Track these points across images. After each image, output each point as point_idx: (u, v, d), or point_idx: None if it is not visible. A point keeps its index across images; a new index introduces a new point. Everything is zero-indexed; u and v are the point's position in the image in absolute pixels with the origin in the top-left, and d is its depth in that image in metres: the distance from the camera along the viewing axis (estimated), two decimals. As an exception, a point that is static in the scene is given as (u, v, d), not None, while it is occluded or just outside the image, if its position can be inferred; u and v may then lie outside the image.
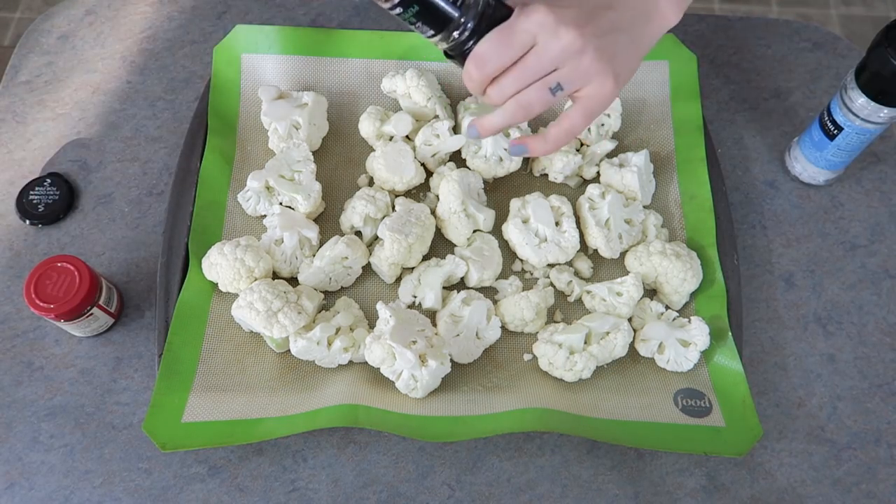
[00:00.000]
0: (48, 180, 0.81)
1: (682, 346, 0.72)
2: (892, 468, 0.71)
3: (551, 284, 0.77)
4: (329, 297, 0.76)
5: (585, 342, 0.71)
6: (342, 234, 0.77)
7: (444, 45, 0.58)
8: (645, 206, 0.81)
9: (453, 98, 0.85)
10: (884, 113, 0.72)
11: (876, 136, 0.75)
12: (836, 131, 0.76)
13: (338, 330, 0.71)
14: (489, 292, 0.77)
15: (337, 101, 0.85)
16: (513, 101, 0.58)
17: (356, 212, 0.77)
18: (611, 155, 0.83)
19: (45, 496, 0.68)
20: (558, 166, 0.80)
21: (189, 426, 0.67)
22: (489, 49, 0.56)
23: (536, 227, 0.76)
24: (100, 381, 0.72)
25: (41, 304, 0.68)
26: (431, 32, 0.57)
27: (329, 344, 0.70)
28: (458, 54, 0.59)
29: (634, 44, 0.60)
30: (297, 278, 0.76)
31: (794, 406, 0.73)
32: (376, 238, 0.77)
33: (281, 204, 0.78)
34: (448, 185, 0.76)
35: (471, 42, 0.57)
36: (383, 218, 0.77)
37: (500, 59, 0.57)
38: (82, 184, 0.82)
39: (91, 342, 0.74)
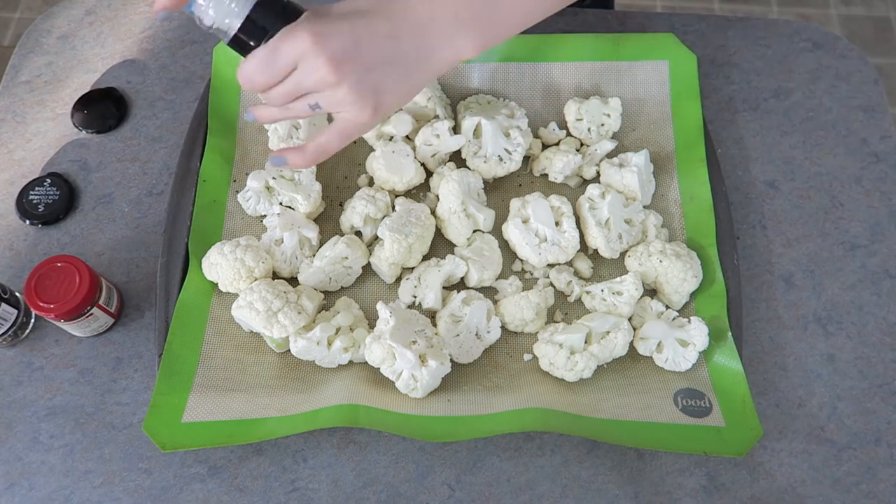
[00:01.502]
0: (48, 180, 0.81)
1: (680, 345, 0.72)
2: (892, 468, 0.71)
3: (551, 284, 0.77)
4: (329, 297, 0.76)
5: (586, 342, 0.71)
6: (342, 234, 0.78)
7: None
8: (645, 206, 0.81)
9: (453, 98, 0.85)
10: None
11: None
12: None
13: (338, 330, 0.71)
14: (489, 292, 0.77)
15: (337, 101, 0.85)
16: (283, 107, 0.62)
17: (356, 212, 0.77)
18: (611, 155, 0.83)
19: (45, 496, 0.68)
20: (558, 166, 0.80)
21: (189, 426, 0.67)
22: (254, 69, 0.59)
23: (536, 227, 0.76)
24: (100, 381, 0.72)
25: (41, 304, 0.68)
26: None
27: (329, 344, 0.70)
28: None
29: (407, 77, 0.61)
30: (297, 278, 0.76)
31: (794, 406, 0.73)
32: (376, 238, 0.77)
33: (281, 204, 0.78)
34: (448, 185, 0.76)
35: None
36: (383, 218, 0.77)
37: (264, 79, 0.59)
38: (82, 184, 0.82)
39: (91, 342, 0.74)
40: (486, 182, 0.82)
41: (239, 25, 0.59)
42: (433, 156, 0.81)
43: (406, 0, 0.60)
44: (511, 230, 0.77)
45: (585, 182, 0.83)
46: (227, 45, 0.61)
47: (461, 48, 0.62)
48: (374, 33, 0.59)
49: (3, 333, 0.72)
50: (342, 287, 0.76)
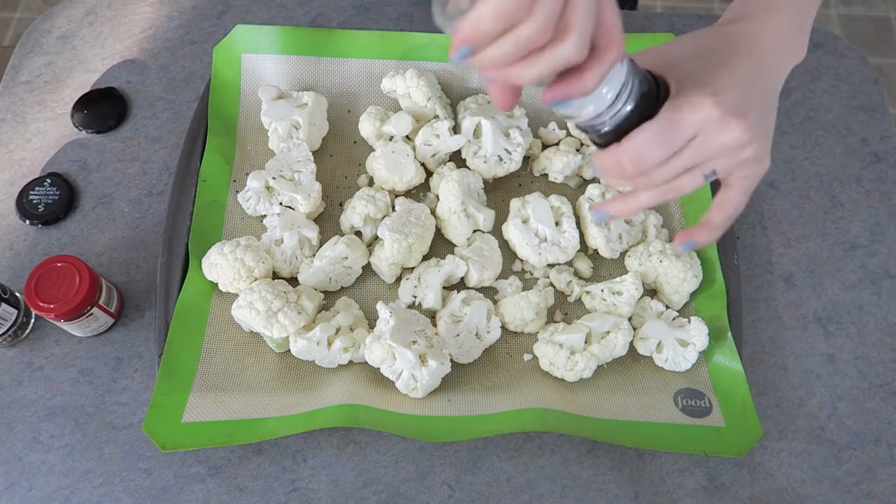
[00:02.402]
0: (48, 180, 0.81)
1: (680, 345, 0.72)
2: (892, 468, 0.71)
3: (551, 284, 0.77)
4: (329, 297, 0.76)
5: (586, 342, 0.71)
6: (342, 234, 0.78)
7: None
8: (645, 206, 0.81)
9: (453, 98, 0.85)
10: None
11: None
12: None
13: (338, 330, 0.71)
14: (489, 292, 0.77)
15: (337, 101, 0.85)
16: (663, 188, 0.55)
17: (356, 212, 0.77)
18: (611, 155, 0.83)
19: (45, 496, 0.68)
20: (558, 166, 0.80)
21: (189, 426, 0.67)
22: (648, 145, 0.51)
23: (536, 227, 0.76)
24: (100, 381, 0.72)
25: (41, 304, 0.68)
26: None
27: (329, 344, 0.70)
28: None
29: (774, 108, 0.56)
30: (297, 278, 0.76)
31: (794, 406, 0.73)
32: (376, 238, 0.77)
33: (281, 204, 0.78)
34: (448, 185, 0.76)
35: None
36: (383, 218, 0.77)
37: (659, 156, 0.52)
38: (82, 184, 0.82)
39: (91, 342, 0.74)
40: (486, 182, 0.82)
41: (631, 108, 0.51)
42: (433, 156, 0.81)
43: (743, 25, 0.56)
44: (511, 230, 0.77)
45: (585, 182, 0.83)
46: (598, 137, 0.53)
47: (800, 52, 0.58)
48: (750, 75, 0.53)
49: (3, 333, 0.72)
50: (342, 287, 0.76)
